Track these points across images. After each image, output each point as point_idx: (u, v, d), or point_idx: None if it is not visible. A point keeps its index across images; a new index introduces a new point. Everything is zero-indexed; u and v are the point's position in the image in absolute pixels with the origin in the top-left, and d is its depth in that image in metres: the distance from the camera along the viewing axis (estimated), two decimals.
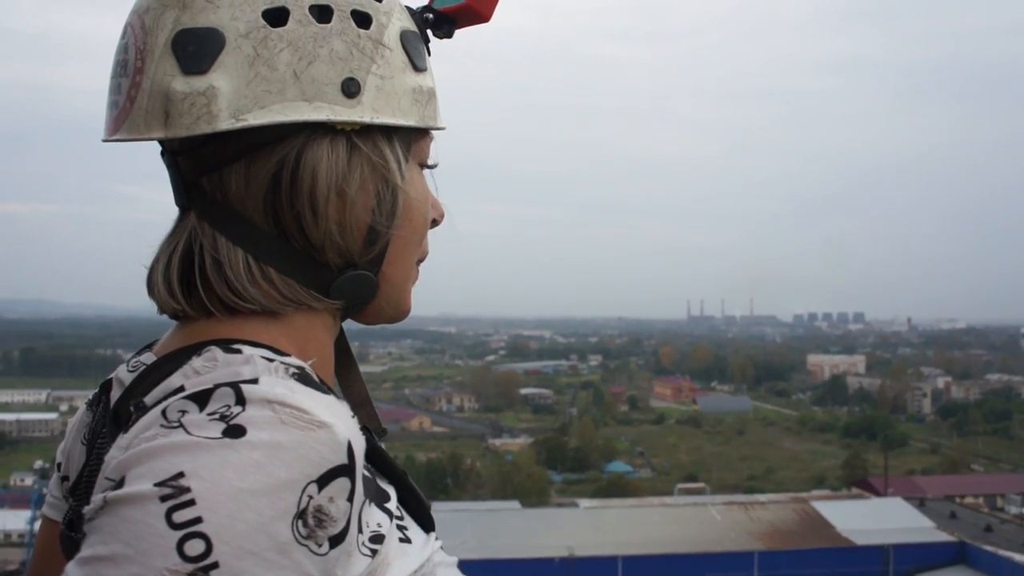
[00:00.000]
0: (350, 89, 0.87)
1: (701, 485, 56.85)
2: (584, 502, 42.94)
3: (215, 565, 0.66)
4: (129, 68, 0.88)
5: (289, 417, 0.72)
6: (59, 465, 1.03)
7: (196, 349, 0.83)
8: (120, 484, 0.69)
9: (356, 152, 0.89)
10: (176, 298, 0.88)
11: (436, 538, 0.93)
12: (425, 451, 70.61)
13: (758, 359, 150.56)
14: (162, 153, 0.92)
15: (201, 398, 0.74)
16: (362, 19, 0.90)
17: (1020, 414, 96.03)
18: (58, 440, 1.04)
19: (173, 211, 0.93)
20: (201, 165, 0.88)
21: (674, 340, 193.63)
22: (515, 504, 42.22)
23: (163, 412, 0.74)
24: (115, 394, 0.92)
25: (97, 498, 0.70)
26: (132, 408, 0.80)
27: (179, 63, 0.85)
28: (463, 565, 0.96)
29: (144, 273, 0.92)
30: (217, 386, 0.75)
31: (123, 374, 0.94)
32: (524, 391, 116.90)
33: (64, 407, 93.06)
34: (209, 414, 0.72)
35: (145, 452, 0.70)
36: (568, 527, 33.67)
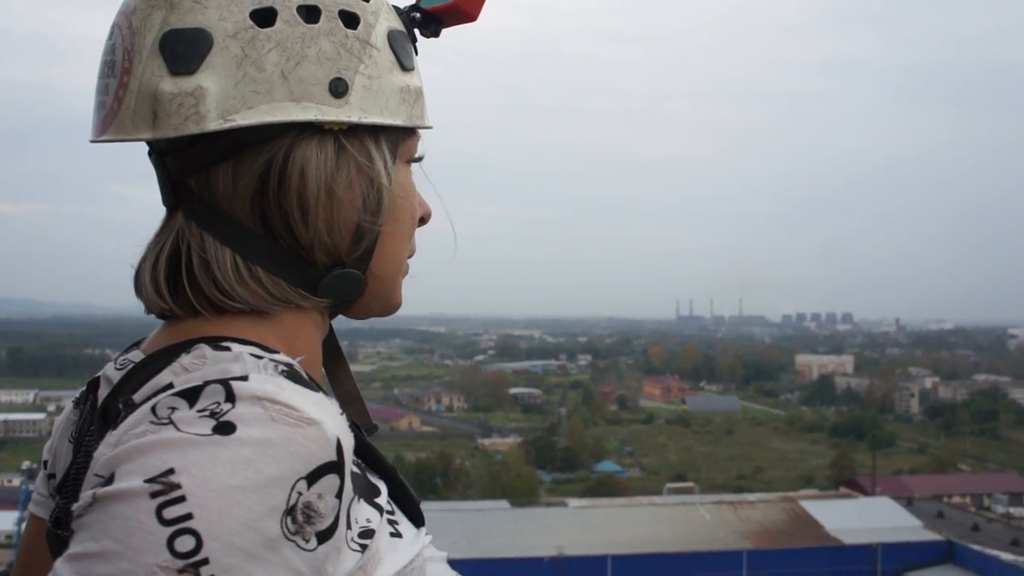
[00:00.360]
0: (338, 89, 0.88)
1: (690, 485, 56.87)
2: (573, 502, 43.02)
3: (205, 561, 0.66)
4: (117, 68, 0.88)
5: (279, 414, 0.72)
6: (45, 463, 1.03)
7: (185, 347, 0.84)
8: (110, 480, 0.69)
9: (343, 152, 0.89)
10: (163, 297, 0.88)
11: (426, 533, 0.93)
12: (414, 451, 70.41)
13: (747, 359, 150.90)
14: (149, 153, 0.93)
15: (191, 395, 0.74)
16: (350, 19, 0.90)
17: (1007, 414, 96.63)
18: (46, 440, 1.04)
19: (164, 211, 0.92)
20: (189, 165, 0.88)
21: (663, 340, 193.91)
22: (504, 504, 42.27)
23: (152, 409, 0.73)
24: (103, 391, 0.92)
25: (86, 495, 0.70)
26: (121, 405, 0.80)
27: (167, 64, 0.85)
28: (452, 565, 0.96)
29: (132, 273, 0.93)
30: (207, 383, 0.75)
31: (111, 372, 0.93)
32: (513, 391, 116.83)
33: (52, 407, 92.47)
34: (199, 411, 0.72)
35: (135, 448, 0.70)
36: (557, 527, 33.72)
